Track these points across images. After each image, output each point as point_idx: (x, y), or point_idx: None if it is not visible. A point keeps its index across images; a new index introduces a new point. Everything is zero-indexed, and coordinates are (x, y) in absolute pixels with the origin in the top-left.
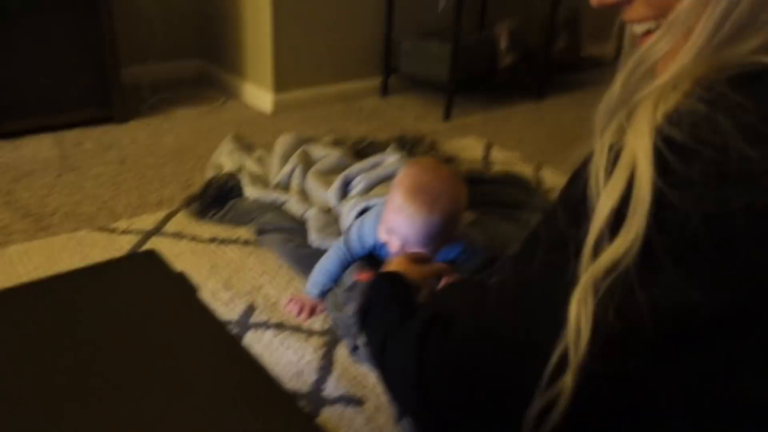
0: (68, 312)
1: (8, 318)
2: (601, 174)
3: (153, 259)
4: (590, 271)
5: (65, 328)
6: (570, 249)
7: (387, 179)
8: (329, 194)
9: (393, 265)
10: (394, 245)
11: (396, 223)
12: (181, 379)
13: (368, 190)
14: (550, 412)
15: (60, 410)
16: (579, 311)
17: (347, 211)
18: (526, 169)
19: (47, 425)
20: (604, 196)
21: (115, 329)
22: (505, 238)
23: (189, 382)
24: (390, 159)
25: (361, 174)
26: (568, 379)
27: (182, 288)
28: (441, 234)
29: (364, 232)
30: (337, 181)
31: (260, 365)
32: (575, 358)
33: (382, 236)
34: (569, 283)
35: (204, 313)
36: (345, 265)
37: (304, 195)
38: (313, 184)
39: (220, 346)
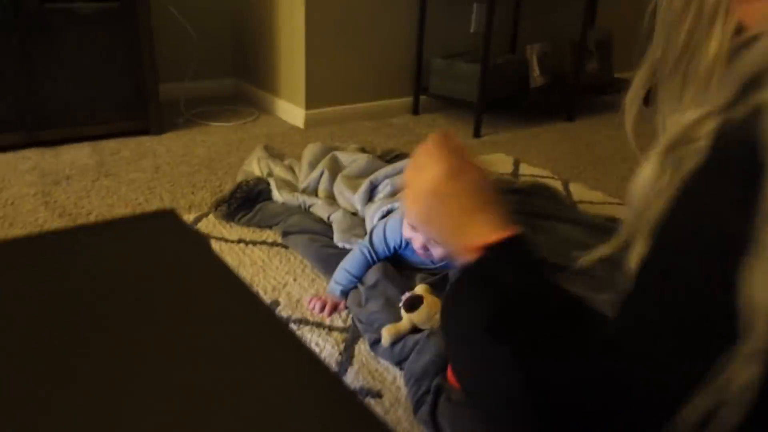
0: (82, 261)
1: (21, 265)
2: None
3: (171, 216)
4: None
5: (78, 276)
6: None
7: None
8: (356, 197)
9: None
10: (417, 241)
11: (420, 218)
12: (193, 322)
13: (394, 194)
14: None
15: (65, 358)
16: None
17: (372, 214)
18: (554, 184)
19: (52, 373)
20: None
21: (129, 278)
22: None
23: (200, 325)
24: None
25: (388, 178)
26: (746, 374)
27: (198, 243)
28: None
29: (388, 233)
30: (364, 185)
31: (271, 310)
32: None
33: (406, 233)
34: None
35: (219, 264)
36: (368, 265)
37: (330, 199)
38: (341, 187)
39: (233, 293)
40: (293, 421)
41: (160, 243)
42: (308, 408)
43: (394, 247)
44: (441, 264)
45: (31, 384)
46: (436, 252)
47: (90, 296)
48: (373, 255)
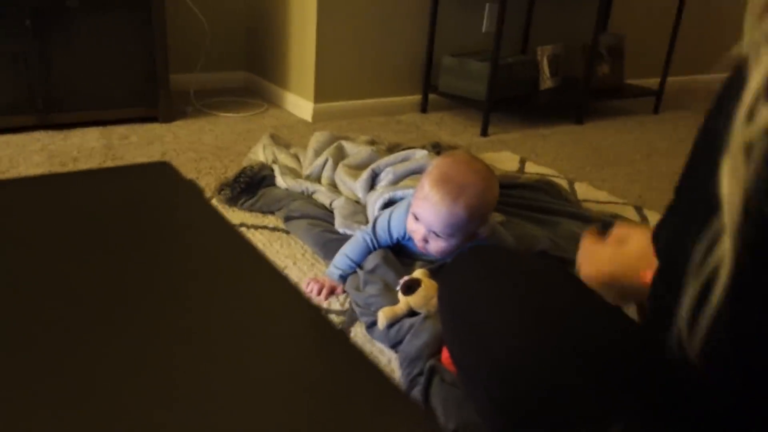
0: (80, 203)
1: (20, 205)
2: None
3: (166, 166)
4: (744, 133)
5: (77, 219)
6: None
7: (415, 173)
8: (357, 185)
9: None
10: (419, 233)
11: (421, 211)
12: (185, 263)
13: (396, 182)
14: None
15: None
16: (731, 176)
17: (374, 202)
18: (560, 182)
19: (44, 311)
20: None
21: (126, 219)
22: (533, 239)
23: (193, 265)
24: (419, 153)
25: (390, 167)
26: (725, 246)
27: (192, 191)
28: (465, 226)
29: (392, 223)
30: (365, 173)
31: (262, 254)
32: (731, 225)
33: (410, 225)
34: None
35: (211, 211)
36: (369, 252)
37: (333, 186)
38: (342, 176)
39: (226, 237)
40: (274, 342)
41: (156, 189)
42: (297, 339)
43: (397, 238)
44: (440, 257)
45: (24, 324)
46: (436, 246)
47: (87, 237)
48: (375, 243)
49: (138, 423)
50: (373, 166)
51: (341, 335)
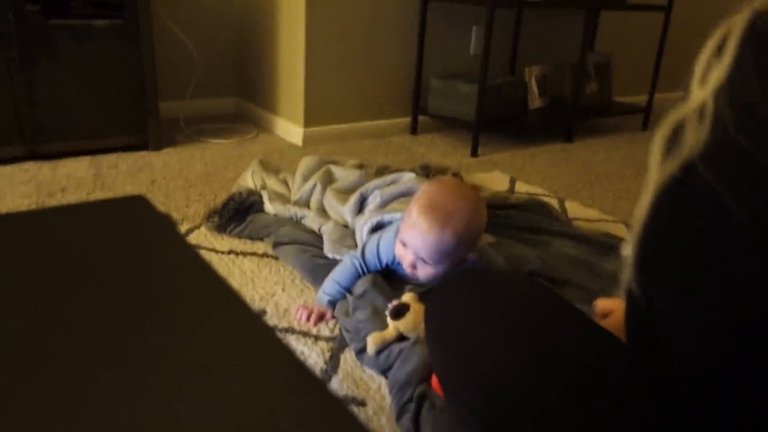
0: (57, 240)
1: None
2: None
3: (141, 201)
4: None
5: (53, 255)
6: None
7: (403, 196)
8: (345, 209)
9: None
10: (407, 259)
11: (409, 237)
12: (154, 300)
13: (383, 205)
14: None
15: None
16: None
17: (362, 226)
18: (550, 201)
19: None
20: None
21: (101, 257)
22: (523, 260)
23: (162, 299)
24: (407, 176)
25: (377, 189)
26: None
27: (166, 225)
28: (453, 253)
29: (381, 249)
30: (353, 197)
31: (230, 288)
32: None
33: (398, 250)
34: None
35: (184, 244)
36: (358, 277)
37: (322, 211)
38: (331, 200)
39: (197, 270)
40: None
41: (130, 223)
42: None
43: (386, 263)
44: (429, 282)
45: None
46: (424, 272)
47: (55, 273)
48: (364, 268)
49: None
50: (361, 189)
51: (317, 381)
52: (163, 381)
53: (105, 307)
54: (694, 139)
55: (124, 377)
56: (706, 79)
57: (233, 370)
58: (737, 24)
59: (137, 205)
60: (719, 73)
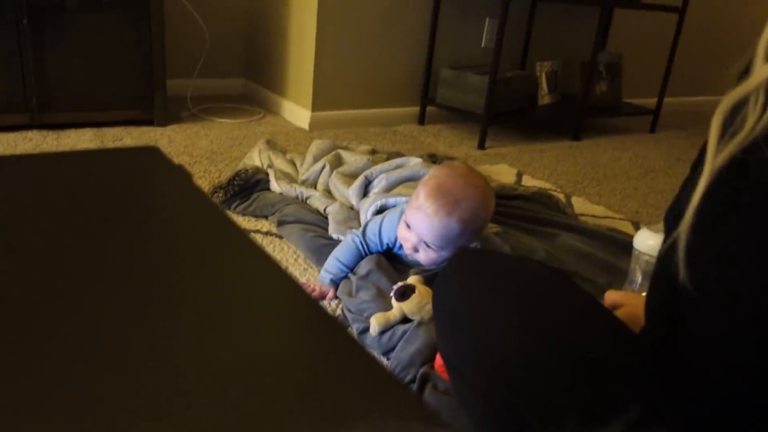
0: (63, 184)
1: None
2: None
3: (154, 151)
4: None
5: (57, 198)
6: None
7: (408, 180)
8: (350, 192)
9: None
10: (410, 242)
11: (414, 220)
12: (170, 245)
13: (389, 189)
14: None
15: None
16: None
17: (366, 208)
18: (557, 196)
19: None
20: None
21: (111, 203)
22: (529, 250)
23: (177, 247)
24: (413, 161)
25: (383, 173)
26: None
27: (182, 177)
28: (457, 240)
29: (383, 229)
30: (358, 180)
31: (246, 234)
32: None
33: (401, 232)
34: None
35: (200, 195)
36: (359, 256)
37: (328, 192)
38: (336, 183)
39: (212, 220)
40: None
41: (144, 173)
42: (290, 327)
43: (387, 244)
44: (431, 266)
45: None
46: (426, 256)
47: (68, 218)
48: (365, 247)
49: (122, 410)
50: (366, 172)
51: (333, 321)
52: (182, 322)
53: (115, 249)
54: (757, 118)
55: (139, 320)
56: None
57: (251, 312)
58: None
59: (150, 155)
60: None
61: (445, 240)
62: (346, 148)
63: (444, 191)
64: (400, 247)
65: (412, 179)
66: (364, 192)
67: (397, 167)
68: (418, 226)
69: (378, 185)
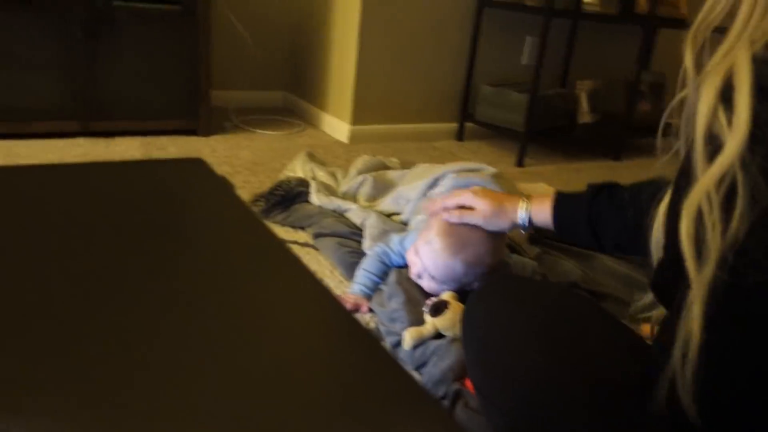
0: (117, 194)
1: (44, 193)
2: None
3: (199, 163)
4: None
5: (102, 208)
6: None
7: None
8: (417, 185)
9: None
10: (415, 267)
11: (422, 251)
12: (209, 253)
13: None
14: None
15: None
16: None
17: (419, 221)
18: None
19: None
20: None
21: (153, 214)
22: (564, 272)
23: (217, 255)
24: (488, 170)
25: (452, 173)
26: (695, 312)
27: (225, 188)
28: (459, 279)
29: (405, 247)
30: (427, 179)
31: (285, 246)
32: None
33: (410, 255)
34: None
35: (242, 206)
36: (385, 267)
37: (369, 203)
38: (382, 183)
39: (253, 232)
40: (298, 345)
41: (190, 183)
42: (322, 340)
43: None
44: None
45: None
46: (428, 284)
47: (114, 228)
48: (388, 258)
49: (150, 410)
50: (436, 173)
51: (368, 333)
52: (215, 330)
53: (159, 255)
54: (720, 235)
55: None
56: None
57: (288, 321)
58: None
59: (196, 166)
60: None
61: (447, 277)
62: (390, 167)
63: (454, 231)
64: None
65: (475, 186)
66: (429, 188)
67: (470, 170)
68: (425, 257)
69: (444, 184)
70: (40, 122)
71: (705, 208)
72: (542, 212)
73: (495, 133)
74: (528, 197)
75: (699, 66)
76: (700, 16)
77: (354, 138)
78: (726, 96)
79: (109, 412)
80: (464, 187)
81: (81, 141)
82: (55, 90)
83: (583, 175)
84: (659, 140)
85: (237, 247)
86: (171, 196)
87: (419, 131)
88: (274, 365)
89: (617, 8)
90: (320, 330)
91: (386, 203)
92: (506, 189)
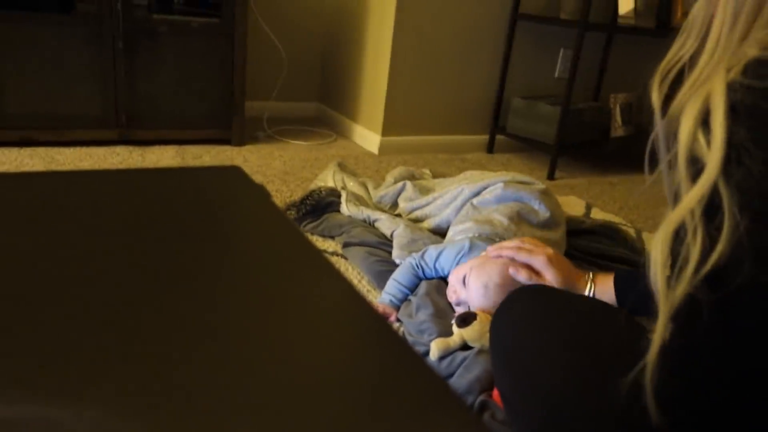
0: (155, 201)
1: (84, 196)
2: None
3: (236, 171)
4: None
5: (138, 214)
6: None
7: (522, 201)
8: (461, 190)
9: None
10: (456, 294)
11: (473, 287)
12: (245, 259)
13: (500, 200)
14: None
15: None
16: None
17: (461, 229)
18: (627, 230)
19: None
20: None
21: (189, 220)
22: None
23: (253, 262)
24: (538, 185)
25: (502, 182)
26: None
27: (262, 196)
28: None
29: (441, 261)
30: (481, 182)
31: (318, 251)
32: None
33: (453, 280)
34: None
35: (279, 214)
36: (417, 279)
37: (396, 214)
38: (419, 191)
39: (290, 239)
40: (332, 348)
41: (228, 190)
42: (352, 341)
43: (441, 276)
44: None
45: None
46: (460, 311)
47: (152, 234)
48: (421, 270)
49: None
50: (485, 181)
51: (400, 339)
52: (246, 331)
53: (196, 261)
54: (699, 254)
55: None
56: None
57: (322, 326)
58: (716, 97)
59: (233, 174)
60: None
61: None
62: (422, 177)
63: (515, 285)
64: None
65: (526, 202)
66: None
67: (521, 182)
68: (474, 294)
69: (492, 192)
70: (79, 130)
71: (688, 224)
72: (606, 293)
73: (526, 145)
74: (594, 276)
75: (667, 104)
76: (669, 54)
77: (384, 149)
78: (704, 120)
79: (146, 403)
80: (512, 200)
81: (119, 149)
82: (94, 99)
83: (616, 188)
84: (647, 167)
85: (273, 253)
86: (209, 203)
87: (449, 143)
88: (306, 369)
89: (654, 22)
90: (354, 335)
91: (428, 208)
92: (552, 208)
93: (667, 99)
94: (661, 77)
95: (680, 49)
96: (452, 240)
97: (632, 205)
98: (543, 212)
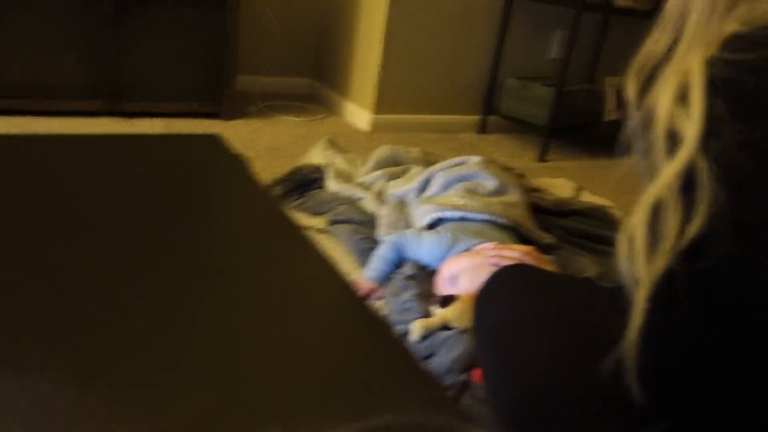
0: (131, 166)
1: (64, 160)
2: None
3: (214, 139)
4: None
5: (120, 177)
6: None
7: (465, 180)
8: (409, 187)
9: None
10: (444, 288)
11: (462, 289)
12: (219, 229)
13: (446, 188)
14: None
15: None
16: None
17: (420, 214)
18: (616, 213)
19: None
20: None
21: (172, 186)
22: (580, 267)
23: (226, 232)
24: (473, 159)
25: (441, 171)
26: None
27: (237, 163)
28: None
29: (423, 250)
30: (421, 176)
31: (291, 219)
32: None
33: (444, 276)
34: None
35: (254, 182)
36: (398, 257)
37: (381, 196)
38: (392, 184)
39: (265, 208)
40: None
41: (204, 158)
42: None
43: (422, 266)
44: None
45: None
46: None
47: (127, 199)
48: (404, 250)
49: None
50: (429, 171)
51: (375, 317)
52: (220, 300)
53: (169, 228)
54: (679, 226)
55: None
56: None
57: (297, 301)
58: (694, 74)
59: (211, 142)
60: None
61: None
62: (408, 160)
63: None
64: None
65: (469, 179)
66: (423, 189)
67: (456, 165)
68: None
69: (435, 183)
70: (65, 100)
71: (666, 198)
72: None
73: (518, 127)
74: None
75: (642, 98)
76: (644, 48)
77: (376, 127)
78: (682, 96)
79: (111, 374)
80: (458, 181)
81: (104, 120)
82: (81, 69)
83: (607, 172)
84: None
85: (247, 223)
86: (185, 170)
87: (442, 122)
88: (281, 342)
89: (650, 4)
90: (330, 311)
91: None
92: (496, 173)
93: (642, 93)
94: (635, 71)
95: (655, 43)
96: (419, 223)
97: (623, 189)
98: (489, 182)
